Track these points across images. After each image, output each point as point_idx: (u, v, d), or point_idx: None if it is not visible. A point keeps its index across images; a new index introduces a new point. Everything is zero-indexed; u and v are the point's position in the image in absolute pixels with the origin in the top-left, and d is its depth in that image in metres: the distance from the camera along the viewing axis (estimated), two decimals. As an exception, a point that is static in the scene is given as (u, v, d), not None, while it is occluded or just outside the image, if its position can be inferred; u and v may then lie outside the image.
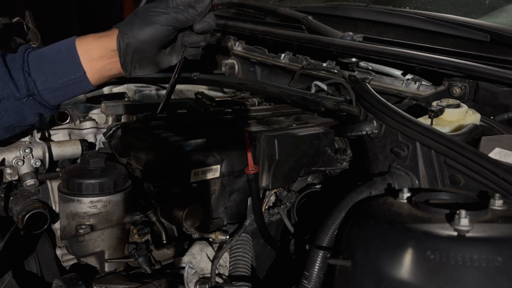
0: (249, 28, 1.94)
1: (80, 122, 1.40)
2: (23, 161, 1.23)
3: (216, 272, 1.16)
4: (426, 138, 0.97)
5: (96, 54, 1.07)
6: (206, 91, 1.78)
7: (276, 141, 1.15)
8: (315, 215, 1.14)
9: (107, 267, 1.17)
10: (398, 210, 0.80)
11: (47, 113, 1.11)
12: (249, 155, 1.16)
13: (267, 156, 1.16)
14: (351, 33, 1.62)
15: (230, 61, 2.05)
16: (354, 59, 1.58)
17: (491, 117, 1.27)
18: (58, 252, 1.31)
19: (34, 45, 1.33)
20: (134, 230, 1.21)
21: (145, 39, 1.08)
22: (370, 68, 1.56)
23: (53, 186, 1.29)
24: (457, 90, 1.33)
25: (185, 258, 1.18)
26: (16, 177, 1.23)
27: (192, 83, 1.76)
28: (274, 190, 1.26)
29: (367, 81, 1.43)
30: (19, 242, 1.27)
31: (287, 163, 1.18)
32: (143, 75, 1.16)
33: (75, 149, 1.32)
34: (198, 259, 1.19)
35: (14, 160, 1.22)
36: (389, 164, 1.05)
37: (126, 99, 1.58)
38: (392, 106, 1.08)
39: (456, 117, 1.12)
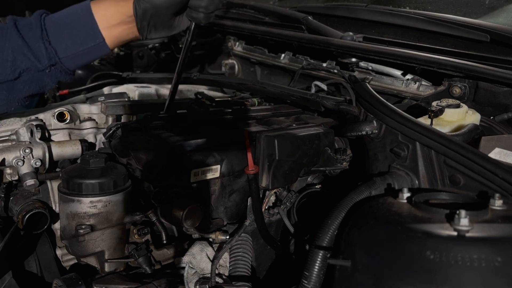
0: (249, 28, 1.94)
1: (80, 122, 1.40)
2: (23, 161, 1.22)
3: (216, 272, 1.16)
4: (426, 138, 0.97)
5: (114, 20, 1.08)
6: (206, 91, 1.78)
7: (276, 141, 1.15)
8: (315, 215, 1.14)
9: (107, 267, 1.17)
10: (398, 210, 0.80)
11: (66, 79, 1.11)
12: (249, 155, 1.16)
13: (267, 156, 1.16)
14: (351, 33, 1.62)
15: (230, 61, 2.05)
16: (354, 59, 1.58)
17: (491, 117, 1.27)
18: (58, 252, 1.31)
19: None
20: (134, 230, 1.21)
21: (161, 4, 1.08)
22: (370, 68, 1.56)
23: (53, 186, 1.29)
24: (457, 90, 1.33)
25: (185, 258, 1.18)
26: (16, 177, 1.23)
27: (192, 83, 1.76)
28: (274, 190, 1.26)
29: (367, 81, 1.43)
30: (19, 242, 1.27)
31: (287, 163, 1.18)
32: (157, 38, 1.17)
33: (75, 149, 1.32)
34: (198, 259, 1.19)
35: (14, 160, 1.22)
36: (389, 164, 1.05)
37: (126, 99, 1.58)
38: (392, 106, 1.08)
39: (456, 117, 1.12)
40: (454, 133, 1.06)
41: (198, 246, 1.21)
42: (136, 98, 1.65)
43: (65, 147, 1.31)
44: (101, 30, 1.07)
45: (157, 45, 2.26)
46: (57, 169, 1.32)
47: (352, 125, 1.11)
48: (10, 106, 1.10)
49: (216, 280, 1.13)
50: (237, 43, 2.03)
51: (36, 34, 1.02)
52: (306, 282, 0.86)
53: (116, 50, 2.20)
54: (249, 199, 1.21)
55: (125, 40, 1.13)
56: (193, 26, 1.21)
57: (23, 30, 1.02)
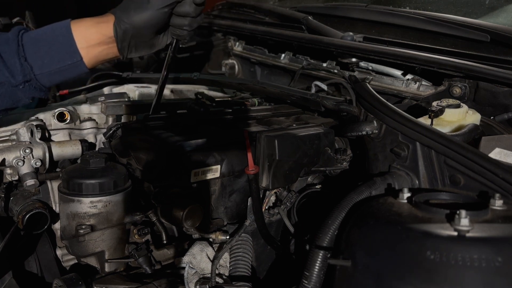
0: (249, 28, 1.94)
1: (80, 122, 1.40)
2: (23, 161, 1.22)
3: (216, 272, 1.16)
4: (426, 138, 0.97)
5: (94, 40, 1.07)
6: (206, 91, 1.78)
7: (276, 141, 1.15)
8: (315, 215, 1.14)
9: (107, 267, 1.17)
10: (398, 210, 0.80)
11: (41, 96, 1.10)
12: (249, 155, 1.16)
13: (267, 156, 1.16)
14: (351, 33, 1.62)
15: (230, 61, 2.05)
16: (354, 59, 1.58)
17: (491, 117, 1.27)
18: (58, 252, 1.31)
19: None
20: (134, 230, 1.21)
21: (142, 25, 1.08)
22: (370, 68, 1.56)
23: (53, 186, 1.29)
24: (457, 90, 1.33)
25: (185, 258, 1.18)
26: (16, 177, 1.23)
27: (192, 83, 1.76)
28: (274, 190, 1.26)
29: (367, 81, 1.43)
30: (19, 242, 1.27)
31: (287, 163, 1.18)
32: (138, 55, 1.17)
33: (75, 149, 1.32)
34: (198, 259, 1.19)
35: (14, 160, 1.22)
36: (389, 164, 1.05)
37: (126, 99, 1.58)
38: (392, 106, 1.08)
39: (456, 117, 1.12)
40: (454, 133, 1.06)
41: (198, 246, 1.21)
42: (136, 98, 1.65)
43: (65, 147, 1.31)
44: (80, 49, 1.06)
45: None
46: (57, 169, 1.32)
47: (352, 125, 1.11)
48: None
49: (216, 280, 1.13)
50: (237, 43, 2.03)
51: (12, 50, 1.01)
52: (306, 282, 0.86)
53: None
54: (249, 199, 1.21)
55: (104, 59, 1.12)
56: (174, 42, 1.21)
57: (0, 45, 1.01)
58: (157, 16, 1.08)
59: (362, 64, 1.58)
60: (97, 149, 1.40)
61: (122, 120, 1.43)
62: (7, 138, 1.29)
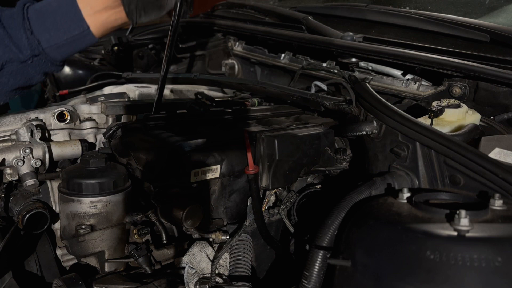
0: (249, 28, 1.94)
1: (80, 122, 1.40)
2: (23, 161, 1.22)
3: (216, 272, 1.16)
4: (426, 138, 0.97)
5: (99, 6, 1.02)
6: (206, 91, 1.78)
7: (276, 141, 1.15)
8: (315, 215, 1.14)
9: (107, 267, 1.17)
10: (398, 210, 0.80)
11: (54, 70, 1.07)
12: (249, 155, 1.16)
13: (267, 156, 1.16)
14: (351, 33, 1.62)
15: (230, 61, 2.05)
16: (354, 59, 1.58)
17: (491, 117, 1.27)
18: (58, 252, 1.31)
19: None
20: (134, 230, 1.21)
21: None
22: (370, 68, 1.56)
23: (53, 186, 1.29)
24: (457, 90, 1.33)
25: (185, 258, 1.18)
26: (16, 177, 1.23)
27: (192, 83, 1.76)
28: (274, 190, 1.26)
29: (367, 81, 1.43)
30: (19, 242, 1.27)
31: (287, 163, 1.18)
32: (148, 22, 1.13)
33: (75, 149, 1.32)
34: (198, 259, 1.19)
35: (14, 160, 1.22)
36: (389, 164, 1.05)
37: (126, 99, 1.58)
38: (392, 106, 1.08)
39: (456, 117, 1.12)
40: (454, 133, 1.06)
41: (198, 246, 1.21)
42: (136, 98, 1.65)
43: (65, 147, 1.31)
44: (85, 17, 1.01)
45: (157, 46, 2.26)
46: (57, 169, 1.32)
47: (352, 125, 1.11)
48: None
49: (216, 280, 1.13)
50: (237, 43, 2.03)
51: (18, 24, 0.97)
52: (306, 282, 0.86)
53: (115, 49, 2.20)
54: (249, 199, 1.21)
55: (113, 26, 1.06)
56: (179, 4, 1.16)
57: (5, 21, 0.98)
58: None
59: (362, 64, 1.58)
60: (97, 149, 1.40)
61: (122, 120, 1.43)
62: (7, 138, 1.29)
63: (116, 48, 2.17)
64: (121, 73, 1.91)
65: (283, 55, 1.80)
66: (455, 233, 0.70)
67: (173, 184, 1.18)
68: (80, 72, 2.08)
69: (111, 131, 1.31)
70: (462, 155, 0.90)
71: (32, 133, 1.27)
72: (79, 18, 1.01)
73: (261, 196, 1.22)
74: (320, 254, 0.86)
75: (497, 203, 0.77)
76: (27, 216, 1.17)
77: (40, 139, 1.27)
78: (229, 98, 1.70)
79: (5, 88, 1.02)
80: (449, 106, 1.12)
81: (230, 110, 1.44)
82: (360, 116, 1.16)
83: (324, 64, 1.66)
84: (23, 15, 0.99)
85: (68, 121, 1.37)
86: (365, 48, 1.51)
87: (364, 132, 1.08)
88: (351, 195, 0.92)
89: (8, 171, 1.22)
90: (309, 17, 1.82)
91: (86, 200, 1.12)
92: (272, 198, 1.28)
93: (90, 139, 1.41)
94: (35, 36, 0.99)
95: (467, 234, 0.70)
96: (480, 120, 1.17)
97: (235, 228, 1.24)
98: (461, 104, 1.14)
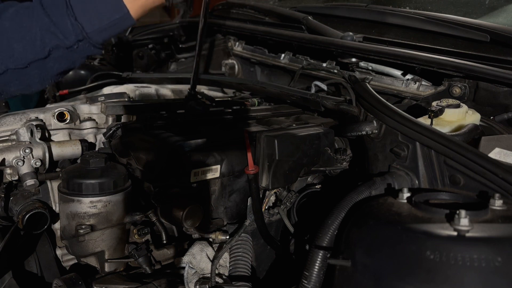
0: (249, 28, 1.94)
1: (80, 122, 1.40)
2: (23, 161, 1.22)
3: (216, 272, 1.16)
4: (426, 138, 0.97)
5: None
6: (206, 91, 1.78)
7: (276, 141, 1.15)
8: (315, 215, 1.14)
9: (107, 267, 1.17)
10: (398, 210, 0.80)
11: (95, 53, 1.11)
12: (249, 155, 1.16)
13: (267, 156, 1.16)
14: (351, 33, 1.62)
15: (230, 61, 2.05)
16: (354, 59, 1.58)
17: (491, 117, 1.27)
18: (58, 252, 1.31)
19: None
20: (134, 230, 1.21)
21: None
22: (370, 68, 1.56)
23: (53, 186, 1.29)
24: (457, 90, 1.33)
25: (185, 258, 1.18)
26: (16, 177, 1.23)
27: (192, 83, 1.76)
28: (274, 190, 1.26)
29: (367, 81, 1.43)
30: (19, 242, 1.27)
31: (287, 163, 1.18)
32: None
33: (75, 149, 1.31)
34: (198, 259, 1.19)
35: (14, 160, 1.22)
36: (389, 164, 1.05)
37: (126, 99, 1.58)
38: (392, 106, 1.08)
39: (456, 117, 1.12)
40: (454, 133, 1.06)
41: (198, 246, 1.21)
42: (136, 98, 1.65)
43: (65, 147, 1.31)
44: (125, 1, 1.06)
45: (157, 46, 2.26)
46: (57, 169, 1.32)
47: (352, 125, 1.11)
48: (44, 83, 1.13)
49: (216, 280, 1.13)
50: (237, 43, 2.03)
51: (62, 11, 1.02)
52: (306, 282, 0.86)
53: (115, 49, 2.20)
54: (249, 199, 1.21)
55: (151, 7, 1.11)
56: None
57: (48, 8, 1.03)
58: None
59: (362, 64, 1.58)
60: (97, 149, 1.40)
61: (122, 120, 1.43)
62: (7, 138, 1.29)
63: (116, 48, 2.17)
64: (121, 73, 1.91)
65: (283, 55, 1.80)
66: (455, 233, 0.70)
67: (173, 184, 1.18)
68: (80, 72, 2.08)
69: (111, 131, 1.31)
70: (462, 155, 0.90)
71: (32, 133, 1.27)
72: (119, 3, 1.06)
73: (261, 196, 1.22)
74: (320, 254, 0.86)
75: (497, 203, 0.77)
76: (27, 216, 1.17)
77: (40, 139, 1.27)
78: (229, 98, 1.70)
79: (50, 72, 1.09)
80: (449, 106, 1.12)
81: (230, 110, 1.44)
82: (360, 116, 1.16)
83: (324, 64, 1.66)
84: (65, 2, 1.03)
85: (68, 121, 1.37)
86: (365, 48, 1.51)
87: (364, 132, 1.08)
88: (351, 195, 0.92)
89: (8, 171, 1.22)
90: (309, 17, 1.82)
91: (86, 200, 1.12)
92: (272, 198, 1.28)
93: (90, 139, 1.41)
94: (78, 22, 1.03)
95: (467, 234, 0.70)
96: (480, 120, 1.17)
97: (235, 228, 1.24)
98: (461, 104, 1.14)
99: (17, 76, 1.07)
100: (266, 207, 1.26)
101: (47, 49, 1.03)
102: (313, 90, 1.54)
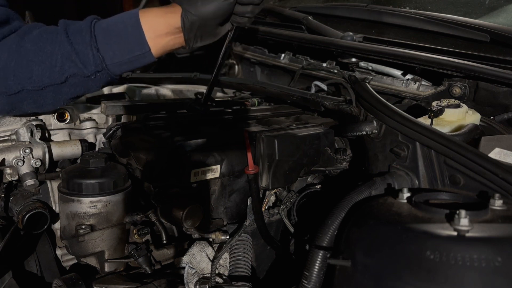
0: (249, 28, 1.94)
1: (80, 122, 1.40)
2: (23, 161, 1.22)
3: (216, 272, 1.16)
4: (426, 138, 0.97)
5: (161, 31, 1.09)
6: (205, 91, 1.78)
7: (276, 141, 1.15)
8: (315, 215, 1.14)
9: (107, 267, 1.17)
10: (398, 210, 0.80)
11: (111, 84, 1.14)
12: (249, 155, 1.16)
13: (267, 156, 1.16)
14: (351, 33, 1.62)
15: (230, 61, 2.05)
16: (354, 59, 1.58)
17: (491, 117, 1.27)
18: (58, 252, 1.31)
19: None
20: (134, 230, 1.21)
21: (209, 16, 1.09)
22: (370, 68, 1.56)
23: (53, 186, 1.29)
24: (457, 90, 1.33)
25: (185, 258, 1.18)
26: (16, 177, 1.23)
27: (192, 83, 1.76)
28: (274, 190, 1.26)
29: (367, 81, 1.43)
30: (19, 242, 1.27)
31: (287, 163, 1.18)
32: (201, 45, 1.18)
33: (75, 149, 1.32)
34: (198, 259, 1.19)
35: (14, 160, 1.22)
36: (389, 164, 1.05)
37: (126, 99, 1.58)
38: (392, 106, 1.08)
39: (456, 117, 1.12)
40: (454, 133, 1.06)
41: (198, 246, 1.21)
42: (136, 98, 1.65)
43: (65, 147, 1.31)
44: (148, 39, 1.08)
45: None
46: (57, 169, 1.32)
47: (352, 125, 1.11)
48: (57, 105, 1.16)
49: (216, 280, 1.13)
50: (237, 43, 2.03)
51: (85, 41, 1.04)
52: (306, 282, 0.86)
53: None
54: (249, 199, 1.21)
55: (171, 49, 1.15)
56: (234, 29, 1.20)
57: (72, 36, 1.04)
58: (223, 7, 1.09)
59: (362, 64, 1.58)
60: (97, 149, 1.40)
61: (122, 120, 1.43)
62: (7, 138, 1.29)
63: None
64: (121, 73, 1.91)
65: (283, 55, 1.80)
66: (455, 233, 0.70)
67: (173, 184, 1.18)
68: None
69: (111, 131, 1.31)
70: (462, 155, 0.90)
71: (32, 133, 1.27)
72: (142, 40, 1.08)
73: (261, 196, 1.22)
74: (320, 254, 0.86)
75: (497, 203, 0.77)
76: (27, 216, 1.17)
77: (40, 139, 1.27)
78: (229, 98, 1.70)
79: (64, 96, 1.11)
80: (449, 106, 1.12)
81: (230, 110, 1.44)
82: (360, 116, 1.16)
83: (324, 64, 1.66)
84: (91, 32, 1.05)
85: (68, 121, 1.37)
86: (365, 48, 1.51)
87: (364, 132, 1.08)
88: (351, 195, 0.92)
89: (8, 171, 1.22)
90: (309, 17, 1.82)
91: (86, 200, 1.12)
92: (272, 198, 1.28)
93: (90, 139, 1.41)
94: (100, 53, 1.05)
95: (467, 234, 0.70)
96: (480, 120, 1.17)
97: (235, 228, 1.24)
98: (461, 104, 1.14)
99: (31, 96, 1.08)
100: (266, 207, 1.26)
101: (65, 75, 1.05)
102: (313, 90, 1.54)
